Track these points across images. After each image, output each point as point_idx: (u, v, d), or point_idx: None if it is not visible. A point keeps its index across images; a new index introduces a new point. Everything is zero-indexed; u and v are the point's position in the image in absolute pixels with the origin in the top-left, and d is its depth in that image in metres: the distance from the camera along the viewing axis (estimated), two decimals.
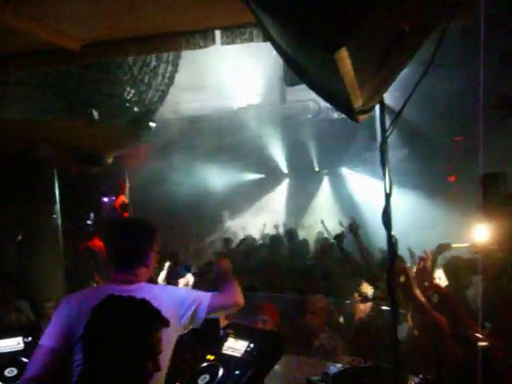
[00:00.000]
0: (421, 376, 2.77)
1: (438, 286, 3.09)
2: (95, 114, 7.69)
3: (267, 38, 2.37)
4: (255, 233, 12.74)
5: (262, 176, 15.58)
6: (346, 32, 1.44)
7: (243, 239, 11.21)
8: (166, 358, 2.92)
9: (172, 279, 6.17)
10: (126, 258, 3.14)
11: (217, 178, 14.02)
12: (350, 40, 1.47)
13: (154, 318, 2.33)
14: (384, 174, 2.32)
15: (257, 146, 13.33)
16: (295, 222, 13.77)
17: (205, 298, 3.15)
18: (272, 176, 15.50)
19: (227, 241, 11.51)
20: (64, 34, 3.39)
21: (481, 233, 3.50)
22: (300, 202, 15.25)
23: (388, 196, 2.29)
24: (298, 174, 15.24)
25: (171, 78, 8.73)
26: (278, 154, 14.35)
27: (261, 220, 13.67)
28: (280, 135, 13.43)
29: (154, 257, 3.22)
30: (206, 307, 3.10)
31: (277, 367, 3.38)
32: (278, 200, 15.87)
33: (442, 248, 4.48)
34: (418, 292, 3.32)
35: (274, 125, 12.96)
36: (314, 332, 4.58)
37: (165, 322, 2.35)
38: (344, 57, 1.54)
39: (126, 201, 12.33)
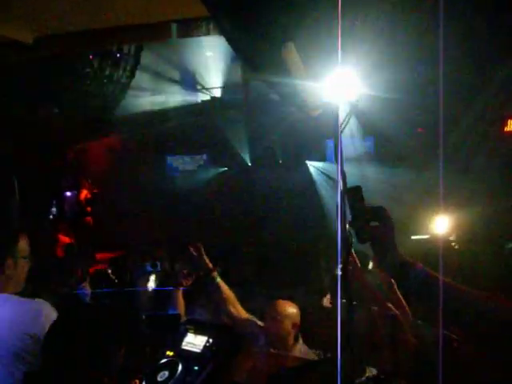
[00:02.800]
0: (378, 368, 2.80)
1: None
2: (55, 107, 7.58)
3: (221, 31, 2.35)
4: None
5: (225, 169, 15.52)
6: (292, 29, 1.44)
7: None
8: None
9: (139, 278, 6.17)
10: None
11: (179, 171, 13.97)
12: (297, 36, 1.46)
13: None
14: (338, 169, 2.32)
15: (221, 139, 13.29)
16: None
17: None
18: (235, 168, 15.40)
19: None
20: (15, 26, 3.31)
21: (440, 225, 3.54)
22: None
23: (342, 192, 2.30)
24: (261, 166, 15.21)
25: (133, 71, 8.64)
26: (242, 146, 14.31)
27: None
28: (244, 128, 13.41)
29: (14, 265, 2.84)
30: None
31: (238, 361, 3.39)
32: None
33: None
34: (369, 284, 3.37)
35: (238, 118, 12.94)
36: None
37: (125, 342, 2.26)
38: (292, 53, 1.54)
39: (90, 195, 12.19)
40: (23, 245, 2.88)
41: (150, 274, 6.10)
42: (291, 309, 4.01)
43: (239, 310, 4.00)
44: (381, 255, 2.05)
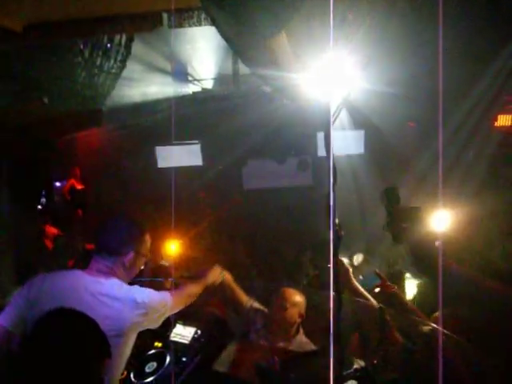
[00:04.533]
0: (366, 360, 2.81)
1: (383, 281, 3.13)
2: (44, 97, 7.50)
3: (212, 22, 2.34)
4: None
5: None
6: (283, 20, 1.43)
7: None
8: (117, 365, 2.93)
9: None
10: (106, 246, 3.10)
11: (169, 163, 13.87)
12: (286, 28, 1.46)
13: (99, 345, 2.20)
14: (328, 163, 2.32)
15: (210, 131, 13.23)
16: None
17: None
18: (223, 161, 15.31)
19: None
20: (5, 13, 3.27)
21: (441, 220, 3.52)
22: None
23: (332, 184, 2.30)
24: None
25: (124, 61, 8.56)
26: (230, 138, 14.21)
27: None
28: (233, 120, 13.34)
29: (135, 261, 3.14)
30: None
31: (226, 353, 3.39)
32: None
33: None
34: (353, 280, 3.39)
35: (228, 110, 12.87)
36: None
37: (108, 354, 2.24)
38: (283, 43, 1.53)
39: (79, 186, 12.10)
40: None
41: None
42: (299, 298, 4.01)
43: (243, 297, 3.99)
44: (418, 257, 2.02)
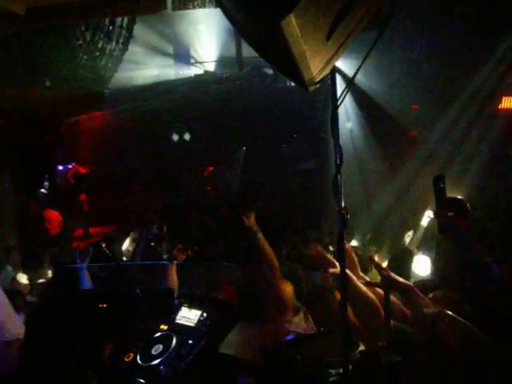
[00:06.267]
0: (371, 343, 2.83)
1: (377, 265, 3.13)
2: (47, 80, 7.49)
3: (218, 4, 2.32)
4: None
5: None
6: (292, 1, 1.41)
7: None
8: None
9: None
10: None
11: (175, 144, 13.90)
12: (296, 8, 1.44)
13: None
14: (335, 145, 2.29)
15: (213, 113, 13.18)
16: None
17: None
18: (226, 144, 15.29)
19: None
20: None
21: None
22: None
23: (338, 166, 2.27)
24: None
25: (126, 44, 8.54)
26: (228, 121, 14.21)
27: None
28: (235, 102, 13.31)
29: None
30: None
31: (231, 335, 3.40)
32: None
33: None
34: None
35: (231, 92, 12.83)
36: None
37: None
38: (291, 25, 1.52)
39: (83, 170, 12.10)
40: None
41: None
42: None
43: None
44: (460, 250, 1.99)
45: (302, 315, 3.99)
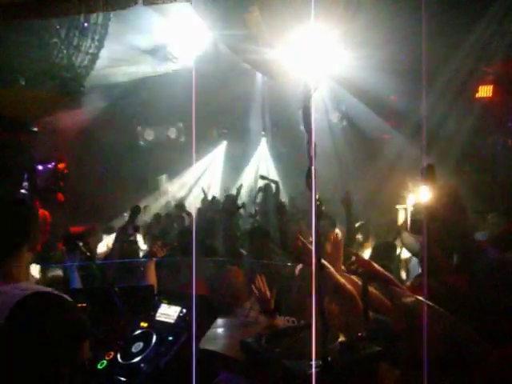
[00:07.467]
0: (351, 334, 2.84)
1: (357, 256, 3.15)
2: (21, 79, 7.39)
3: None
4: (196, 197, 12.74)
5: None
6: None
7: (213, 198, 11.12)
8: None
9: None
10: None
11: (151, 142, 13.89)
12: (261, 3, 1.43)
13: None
14: (308, 136, 2.30)
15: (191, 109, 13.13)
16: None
17: None
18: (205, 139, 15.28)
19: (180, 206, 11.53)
20: None
21: (423, 194, 3.52)
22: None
23: (311, 158, 2.28)
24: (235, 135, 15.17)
25: (101, 41, 8.43)
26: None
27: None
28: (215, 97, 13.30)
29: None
30: None
31: (212, 330, 3.41)
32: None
33: None
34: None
35: (210, 87, 12.80)
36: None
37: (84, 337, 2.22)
38: (256, 17, 1.51)
39: (63, 169, 11.96)
40: None
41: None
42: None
43: None
44: (453, 236, 1.98)
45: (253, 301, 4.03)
